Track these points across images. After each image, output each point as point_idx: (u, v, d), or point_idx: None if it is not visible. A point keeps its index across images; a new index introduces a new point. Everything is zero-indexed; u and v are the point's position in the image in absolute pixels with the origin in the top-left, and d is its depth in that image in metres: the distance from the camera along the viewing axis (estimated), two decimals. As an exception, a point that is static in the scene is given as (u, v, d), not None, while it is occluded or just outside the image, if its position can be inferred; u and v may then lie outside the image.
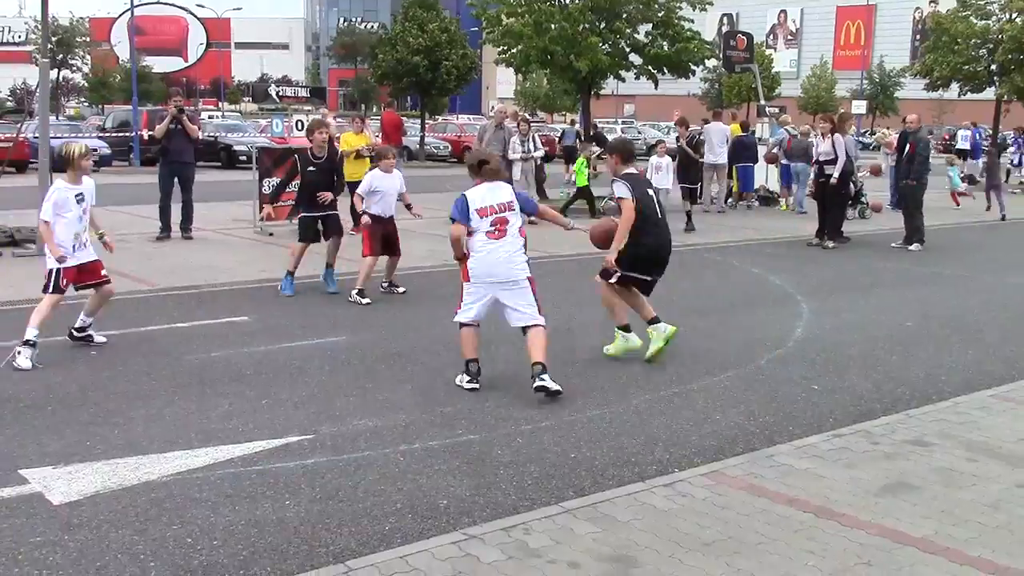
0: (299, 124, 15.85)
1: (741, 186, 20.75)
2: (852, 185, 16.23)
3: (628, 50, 20.39)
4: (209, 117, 45.26)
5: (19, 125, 16.43)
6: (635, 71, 20.87)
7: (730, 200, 20.46)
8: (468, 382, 6.89)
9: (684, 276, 9.77)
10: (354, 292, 9.94)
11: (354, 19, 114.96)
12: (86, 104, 78.88)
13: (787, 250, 14.81)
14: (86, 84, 78.66)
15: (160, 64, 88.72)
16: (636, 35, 20.41)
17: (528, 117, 20.31)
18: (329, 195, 10.48)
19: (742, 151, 20.16)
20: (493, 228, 7.02)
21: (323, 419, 6.10)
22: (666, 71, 20.75)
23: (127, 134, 31.96)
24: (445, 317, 9.09)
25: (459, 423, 6.05)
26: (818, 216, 15.25)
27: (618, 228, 7.70)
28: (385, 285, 10.63)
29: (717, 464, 5.37)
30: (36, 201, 12.68)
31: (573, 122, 26.75)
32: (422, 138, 36.96)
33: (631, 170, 7.96)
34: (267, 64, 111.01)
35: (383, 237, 10.40)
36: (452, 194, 21.49)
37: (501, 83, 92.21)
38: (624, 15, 20.04)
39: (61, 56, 70.73)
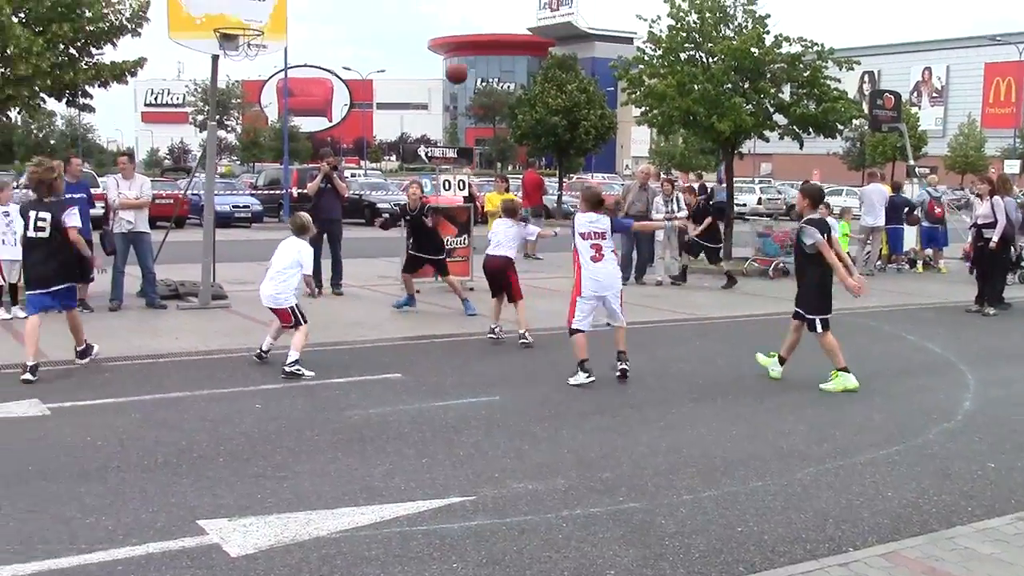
0: (446, 184, 16.18)
1: (891, 248, 20.17)
2: (1013, 249, 15.56)
3: (772, 110, 20.16)
4: (352, 175, 46.80)
5: (188, 182, 17.23)
6: (779, 131, 20.61)
7: (879, 263, 19.88)
8: (586, 378, 8.80)
9: (842, 341, 9.46)
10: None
11: (492, 80, 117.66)
12: (237, 162, 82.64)
13: (943, 316, 14.25)
14: (238, 143, 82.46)
15: (306, 124, 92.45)
16: (781, 95, 20.17)
17: (673, 179, 20.22)
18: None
19: (892, 212, 19.65)
20: (593, 251, 8.95)
21: (483, 480, 6.12)
22: (812, 131, 20.42)
23: (277, 191, 33.30)
24: (597, 378, 9.11)
25: (620, 490, 5.98)
26: (977, 281, 14.65)
27: (836, 264, 8.74)
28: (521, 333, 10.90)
29: (894, 544, 5.14)
30: (197, 255, 13.36)
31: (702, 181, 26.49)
32: (560, 197, 37.26)
33: (816, 215, 9.01)
34: (407, 123, 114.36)
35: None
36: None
37: (636, 142, 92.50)
38: (768, 75, 19.85)
39: (217, 117, 74.38)
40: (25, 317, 11.26)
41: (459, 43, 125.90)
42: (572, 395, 8.56)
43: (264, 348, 9.72)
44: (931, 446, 7.15)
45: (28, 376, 8.57)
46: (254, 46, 12.58)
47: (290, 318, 9.38)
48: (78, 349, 9.41)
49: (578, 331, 8.94)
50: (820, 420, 7.82)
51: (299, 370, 8.97)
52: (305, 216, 10.11)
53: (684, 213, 17.63)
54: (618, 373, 9.06)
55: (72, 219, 9.01)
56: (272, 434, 7.12)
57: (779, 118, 20.27)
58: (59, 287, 9.02)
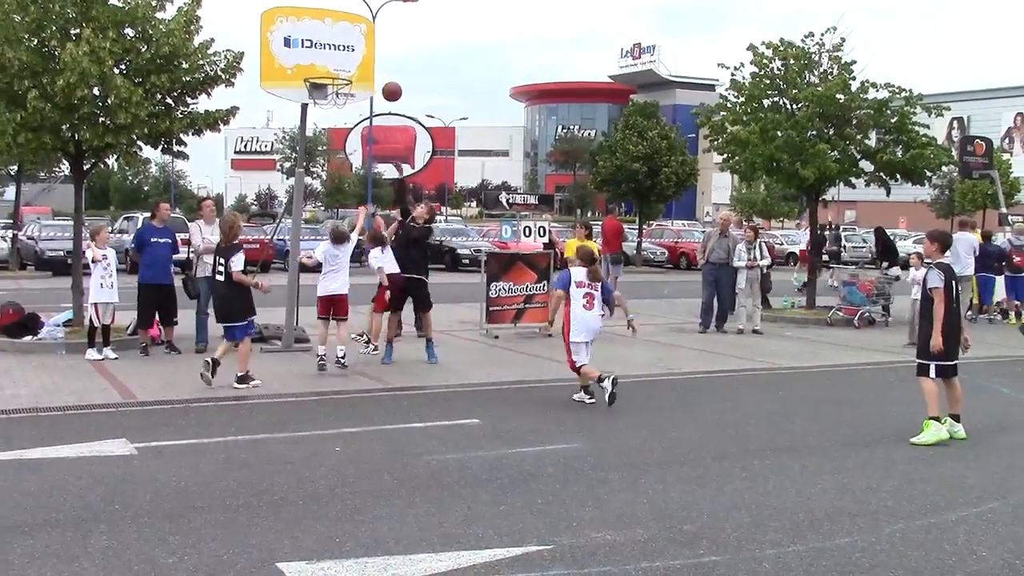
0: (527, 230, 16.25)
1: (981, 298, 19.60)
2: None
3: (858, 157, 19.84)
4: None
5: (275, 227, 17.65)
6: (865, 178, 20.26)
7: (970, 313, 19.30)
8: (590, 400, 10.13)
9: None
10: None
11: (572, 127, 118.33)
12: (322, 208, 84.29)
13: (1040, 369, 13.75)
14: (323, 190, 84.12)
15: (389, 170, 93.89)
16: (867, 141, 19.85)
17: (756, 225, 19.98)
18: None
19: (983, 261, 19.14)
20: (586, 300, 10.26)
21: (561, 529, 6.05)
22: (899, 178, 20.03)
23: (360, 237, 33.78)
24: (675, 428, 9.02)
25: (700, 543, 5.85)
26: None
27: (937, 320, 8.56)
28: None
29: (989, 607, 4.93)
30: (282, 299, 13.61)
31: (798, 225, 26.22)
32: (639, 243, 37.15)
33: (945, 260, 8.96)
34: (488, 170, 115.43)
35: None
36: (671, 300, 21.40)
37: (717, 188, 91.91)
38: (854, 122, 19.57)
39: (304, 164, 76.07)
40: (111, 358, 11.64)
41: (541, 91, 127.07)
42: (651, 444, 8.45)
43: (325, 353, 11.51)
44: (1028, 505, 6.87)
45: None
46: (342, 95, 12.89)
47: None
48: (238, 375, 10.50)
49: (584, 365, 10.22)
50: (911, 476, 7.57)
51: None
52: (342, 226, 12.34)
53: (767, 261, 17.43)
54: (590, 399, 10.25)
55: (236, 264, 10.61)
56: (351, 477, 7.16)
57: (865, 165, 19.94)
58: (241, 322, 10.74)
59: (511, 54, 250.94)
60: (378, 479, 7.15)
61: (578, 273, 10.36)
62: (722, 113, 20.70)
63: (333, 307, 11.85)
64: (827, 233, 32.36)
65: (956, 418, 8.88)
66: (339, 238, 11.94)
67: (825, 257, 17.01)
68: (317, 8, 13.39)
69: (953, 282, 8.79)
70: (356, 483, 7.02)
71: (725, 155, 20.68)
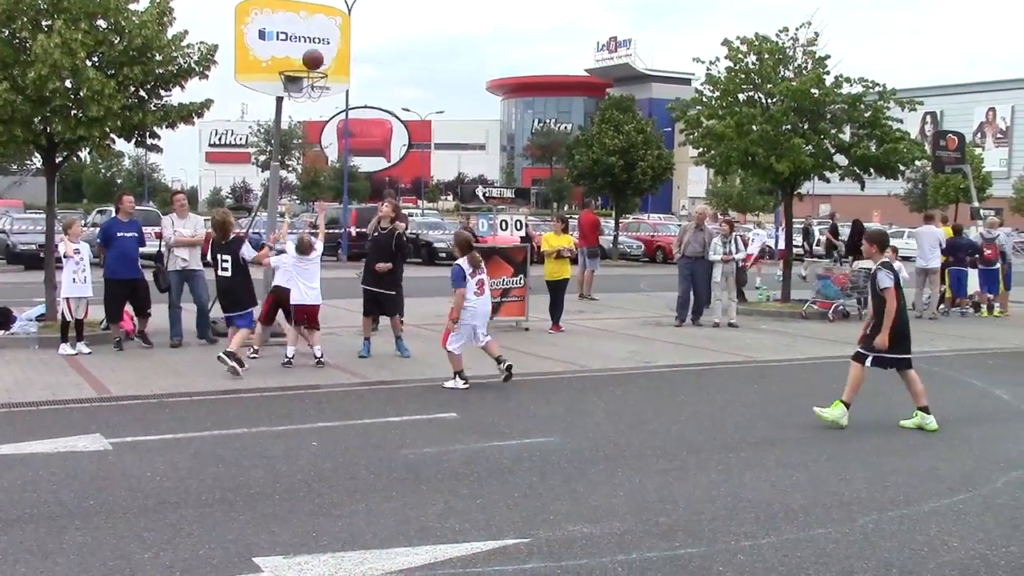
0: (503, 224, 16.25)
1: (954, 291, 19.80)
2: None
3: (832, 151, 19.97)
4: (410, 215, 47.27)
5: (250, 221, 17.57)
6: (839, 172, 20.39)
7: (942, 306, 19.51)
8: (463, 385, 10.46)
9: (898, 388, 9.28)
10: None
11: (549, 120, 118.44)
12: (297, 201, 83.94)
13: (1010, 361, 13.92)
14: (298, 183, 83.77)
15: (365, 164, 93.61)
16: (841, 135, 19.98)
17: (732, 219, 20.08)
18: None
19: (954, 255, 19.36)
20: (477, 287, 10.61)
21: (538, 522, 6.07)
22: (873, 172, 20.17)
23: (336, 230, 33.68)
24: (652, 420, 9.07)
25: (677, 535, 5.89)
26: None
27: (887, 315, 8.83)
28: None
29: (961, 597, 4.99)
30: (260, 293, 13.53)
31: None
32: (615, 237, 37.22)
33: (886, 259, 9.24)
34: (464, 163, 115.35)
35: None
36: (649, 293, 21.46)
37: (692, 182, 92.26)
38: (828, 116, 19.69)
39: (279, 158, 75.75)
40: (85, 353, 11.58)
41: (517, 84, 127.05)
42: (627, 437, 8.49)
43: (293, 355, 11.59)
44: (999, 495, 6.95)
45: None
46: (318, 88, 12.84)
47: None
48: (228, 350, 10.90)
49: (456, 351, 10.55)
50: (883, 468, 7.64)
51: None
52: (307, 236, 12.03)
53: (742, 255, 17.52)
54: (505, 374, 10.67)
55: (247, 253, 11.35)
56: (328, 472, 7.15)
57: (840, 159, 20.06)
58: (245, 311, 11.38)
59: (487, 47, 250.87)
60: (355, 473, 7.14)
61: (466, 264, 10.62)
62: (697, 108, 20.77)
63: (307, 316, 11.70)
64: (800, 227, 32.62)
65: (925, 410, 9.00)
66: (305, 249, 11.67)
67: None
68: (292, 1, 13.34)
69: (899, 278, 9.17)
70: (333, 477, 7.01)
71: (700, 149, 20.76)
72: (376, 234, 12.59)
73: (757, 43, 19.37)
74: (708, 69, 20.00)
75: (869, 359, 9.03)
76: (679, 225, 32.06)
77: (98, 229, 17.03)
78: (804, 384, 11.59)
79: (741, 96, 19.78)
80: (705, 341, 14.83)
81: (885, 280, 8.87)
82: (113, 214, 14.88)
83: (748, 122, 19.04)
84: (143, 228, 13.55)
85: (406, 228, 14.69)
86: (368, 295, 12.48)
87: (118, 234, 12.76)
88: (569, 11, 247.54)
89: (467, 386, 10.46)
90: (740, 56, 19.45)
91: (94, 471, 7.03)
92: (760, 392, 11.03)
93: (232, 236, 11.43)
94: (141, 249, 13.03)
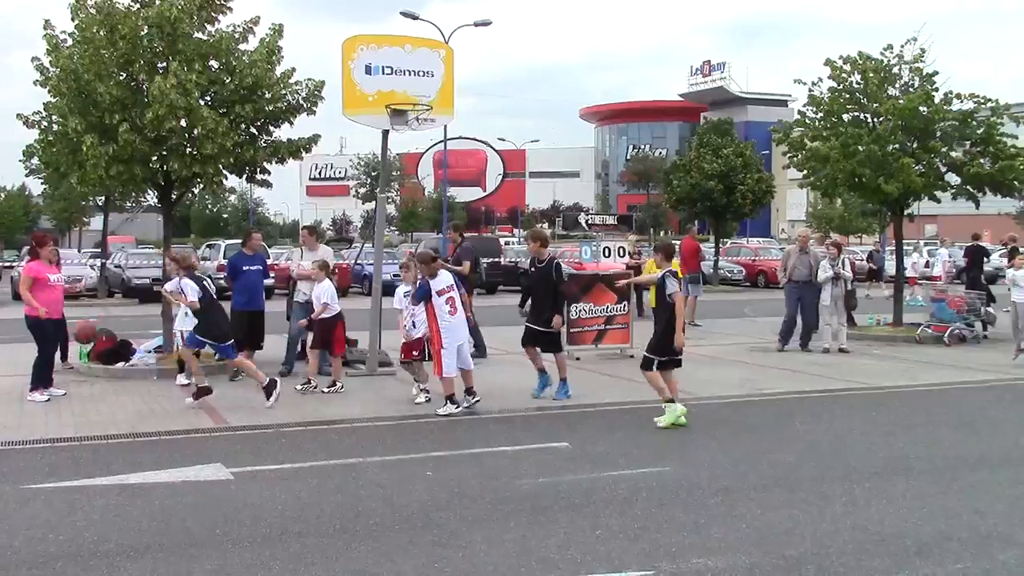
0: (606, 251, 16.18)
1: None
2: None
3: (944, 170, 19.37)
4: (506, 243, 47.50)
5: (359, 253, 17.87)
6: (951, 191, 19.76)
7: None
8: (456, 408, 10.39)
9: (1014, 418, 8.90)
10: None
11: (643, 146, 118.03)
12: (396, 232, 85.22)
13: None
14: (397, 214, 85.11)
15: (462, 194, 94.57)
16: (952, 153, 19.37)
17: (839, 241, 19.63)
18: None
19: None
20: (449, 306, 10.32)
21: (660, 554, 5.96)
22: (987, 191, 19.50)
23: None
24: (769, 449, 8.85)
25: (805, 569, 5.70)
26: None
27: (679, 319, 9.81)
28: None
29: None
30: (364, 323, 13.73)
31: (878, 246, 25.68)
32: (716, 262, 36.76)
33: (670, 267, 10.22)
34: (559, 191, 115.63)
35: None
36: (752, 320, 21.02)
37: (792, 205, 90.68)
38: (938, 134, 19.13)
39: (377, 189, 77.13)
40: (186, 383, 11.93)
41: (611, 111, 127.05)
42: (745, 467, 8.29)
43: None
44: None
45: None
46: (423, 120, 13.01)
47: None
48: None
49: (452, 376, 10.41)
50: (1020, 500, 7.30)
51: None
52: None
53: (850, 275, 17.08)
54: (468, 406, 10.57)
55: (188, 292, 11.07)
56: (444, 502, 7.15)
57: (951, 178, 19.45)
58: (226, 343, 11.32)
59: (580, 75, 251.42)
60: (471, 503, 7.12)
61: (437, 282, 10.42)
62: (800, 129, 20.41)
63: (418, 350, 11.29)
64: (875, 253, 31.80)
65: (671, 402, 10.00)
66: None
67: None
68: (397, 35, 13.58)
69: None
70: (449, 507, 7.01)
71: (805, 171, 20.38)
72: (533, 269, 11.95)
73: (861, 62, 18.97)
74: (810, 90, 19.66)
75: (655, 363, 10.02)
76: (781, 249, 31.46)
77: (215, 263, 17.51)
78: (924, 412, 11.20)
79: (845, 116, 19.38)
80: (816, 367, 14.47)
81: (673, 285, 9.89)
82: (223, 248, 15.29)
83: (854, 142, 18.61)
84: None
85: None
86: (528, 332, 11.69)
87: (244, 268, 13.13)
88: (661, 37, 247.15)
89: (459, 409, 10.42)
90: (843, 76, 19.08)
91: (218, 500, 7.17)
92: (878, 420, 10.67)
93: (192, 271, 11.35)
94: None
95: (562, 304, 12.12)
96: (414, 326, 11.08)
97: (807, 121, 20.07)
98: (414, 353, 11.14)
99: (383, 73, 12.86)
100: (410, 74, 13.00)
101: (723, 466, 8.32)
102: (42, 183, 39.17)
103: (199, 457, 8.48)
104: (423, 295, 10.48)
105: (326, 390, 11.83)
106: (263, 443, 9.21)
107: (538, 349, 11.60)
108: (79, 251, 44.92)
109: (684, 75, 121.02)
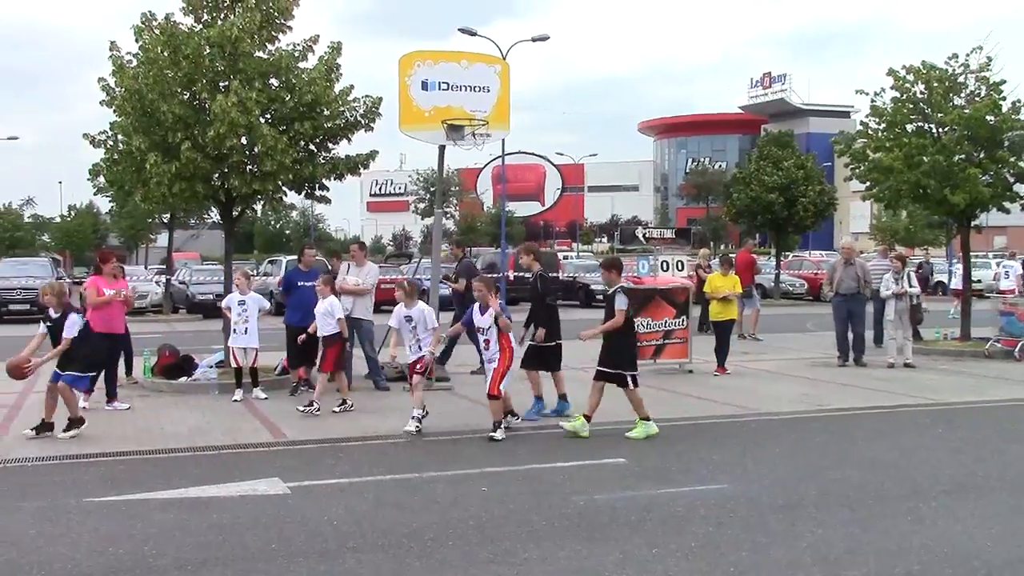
0: (664, 264, 16.05)
1: None
2: None
3: (1012, 180, 18.91)
4: (565, 258, 47.45)
5: (414, 268, 17.97)
6: (1021, 202, 19.28)
7: None
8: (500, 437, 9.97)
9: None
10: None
11: (702, 159, 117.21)
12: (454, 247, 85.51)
13: None
14: (456, 229, 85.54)
15: (520, 208, 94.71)
16: (1021, 164, 18.90)
17: (904, 254, 19.25)
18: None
19: None
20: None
21: (717, 575, 5.84)
22: (1059, 201, 18.99)
23: (494, 275, 34.06)
24: (830, 467, 8.68)
25: (869, 590, 5.56)
26: None
27: (611, 324, 10.17)
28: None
29: None
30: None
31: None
32: (777, 276, 36.30)
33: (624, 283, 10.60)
34: (617, 205, 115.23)
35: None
36: (815, 334, 20.64)
37: (855, 217, 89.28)
38: (1006, 143, 18.68)
39: (435, 205, 77.62)
40: (262, 398, 11.93)
41: (669, 124, 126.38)
42: (805, 484, 8.12)
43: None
44: None
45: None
46: (479, 135, 13.05)
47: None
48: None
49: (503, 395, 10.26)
50: (1094, 519, 7.04)
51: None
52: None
53: (916, 290, 16.72)
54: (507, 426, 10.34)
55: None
56: (499, 518, 7.10)
57: (1021, 188, 18.99)
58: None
59: (638, 88, 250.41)
60: (526, 519, 7.07)
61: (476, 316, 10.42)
62: (863, 140, 20.09)
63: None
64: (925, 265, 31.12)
65: (646, 418, 10.18)
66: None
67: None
68: (453, 51, 13.67)
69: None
70: (505, 524, 6.96)
71: (868, 183, 20.04)
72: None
73: (924, 71, 18.63)
74: (873, 100, 19.35)
75: (631, 379, 10.17)
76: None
77: (276, 278, 17.68)
78: (994, 428, 10.89)
79: (909, 127, 19.02)
80: (880, 382, 14.17)
81: (622, 304, 10.12)
82: (284, 264, 15.41)
83: (918, 153, 18.26)
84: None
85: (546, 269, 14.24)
86: (529, 351, 11.54)
87: (299, 283, 13.25)
88: (720, 49, 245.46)
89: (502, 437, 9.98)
90: (907, 85, 18.75)
91: (274, 514, 7.20)
92: (946, 437, 10.41)
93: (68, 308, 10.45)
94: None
95: (547, 317, 11.52)
96: (419, 348, 10.63)
97: (869, 132, 19.76)
98: (418, 368, 10.62)
99: (439, 89, 12.95)
100: (466, 89, 13.07)
101: (783, 483, 8.16)
102: (109, 201, 40.08)
103: (257, 471, 8.54)
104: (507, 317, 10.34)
105: (336, 408, 11.49)
106: (320, 457, 9.26)
107: (540, 372, 11.46)
108: (145, 268, 45.92)
109: (744, 87, 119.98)
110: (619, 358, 10.26)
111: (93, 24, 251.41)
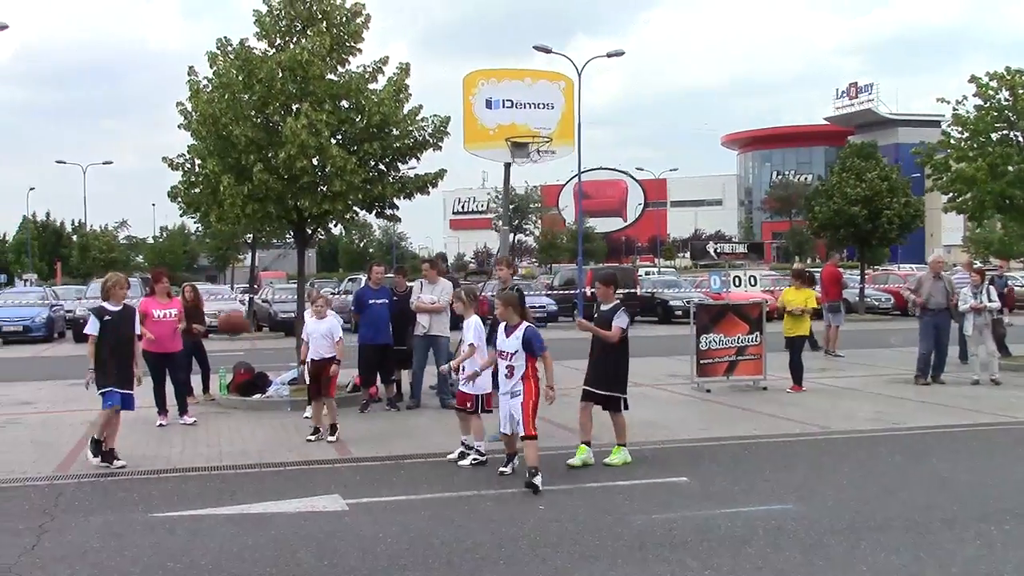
0: (736, 280, 15.83)
1: None
2: None
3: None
4: (646, 274, 47.15)
5: (481, 285, 18.05)
6: (1115, 212, 18.56)
7: None
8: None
9: None
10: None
11: (787, 172, 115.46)
12: (535, 264, 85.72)
13: None
14: (536, 245, 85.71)
15: (602, 224, 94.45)
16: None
17: (982, 266, 18.65)
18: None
19: None
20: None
21: (770, 598, 5.71)
22: None
23: (571, 291, 34.04)
24: (900, 488, 8.42)
25: (927, 617, 5.37)
26: None
27: (605, 336, 9.40)
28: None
29: None
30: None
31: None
32: (862, 290, 35.48)
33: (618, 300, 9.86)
34: (700, 220, 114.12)
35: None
36: (900, 349, 20.06)
37: (948, 229, 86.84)
38: (1097, 151, 18.03)
39: (516, 221, 77.97)
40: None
41: (753, 137, 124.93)
42: (872, 506, 7.88)
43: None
44: None
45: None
46: (543, 152, 13.07)
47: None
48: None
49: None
50: None
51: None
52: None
53: (996, 304, 16.16)
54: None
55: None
56: (553, 537, 7.05)
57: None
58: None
59: (720, 101, 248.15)
60: (580, 539, 7.00)
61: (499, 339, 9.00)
62: (945, 151, 19.59)
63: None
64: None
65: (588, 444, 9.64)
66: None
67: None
68: (517, 69, 13.74)
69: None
70: (559, 543, 6.90)
71: (950, 194, 19.52)
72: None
73: (1009, 77, 18.11)
74: (955, 109, 18.88)
75: (624, 402, 9.65)
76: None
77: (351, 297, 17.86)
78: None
79: (993, 135, 18.52)
80: (962, 400, 13.71)
81: (622, 322, 9.45)
82: (363, 281, 15.55)
83: (1003, 163, 17.76)
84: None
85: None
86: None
87: (369, 301, 13.38)
88: (805, 60, 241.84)
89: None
90: (991, 93, 18.24)
91: (330, 531, 7.27)
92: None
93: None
94: None
95: None
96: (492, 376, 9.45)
97: (951, 142, 19.27)
98: (468, 405, 9.67)
99: (503, 106, 13.05)
100: (530, 107, 13.14)
101: (848, 504, 7.93)
102: (195, 223, 41.16)
103: (319, 487, 8.64)
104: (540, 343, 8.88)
105: (330, 439, 11.01)
106: (382, 474, 9.33)
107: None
108: (231, 287, 47.00)
109: (830, 98, 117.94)
110: (614, 379, 9.53)
111: (189, 48, 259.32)
